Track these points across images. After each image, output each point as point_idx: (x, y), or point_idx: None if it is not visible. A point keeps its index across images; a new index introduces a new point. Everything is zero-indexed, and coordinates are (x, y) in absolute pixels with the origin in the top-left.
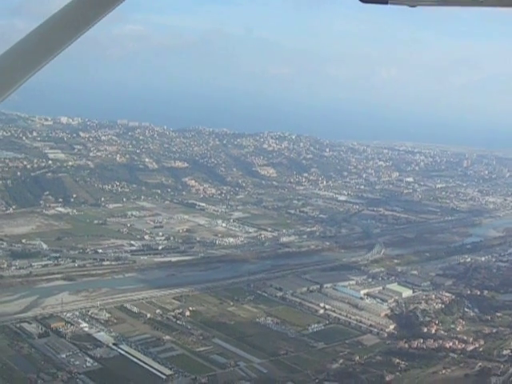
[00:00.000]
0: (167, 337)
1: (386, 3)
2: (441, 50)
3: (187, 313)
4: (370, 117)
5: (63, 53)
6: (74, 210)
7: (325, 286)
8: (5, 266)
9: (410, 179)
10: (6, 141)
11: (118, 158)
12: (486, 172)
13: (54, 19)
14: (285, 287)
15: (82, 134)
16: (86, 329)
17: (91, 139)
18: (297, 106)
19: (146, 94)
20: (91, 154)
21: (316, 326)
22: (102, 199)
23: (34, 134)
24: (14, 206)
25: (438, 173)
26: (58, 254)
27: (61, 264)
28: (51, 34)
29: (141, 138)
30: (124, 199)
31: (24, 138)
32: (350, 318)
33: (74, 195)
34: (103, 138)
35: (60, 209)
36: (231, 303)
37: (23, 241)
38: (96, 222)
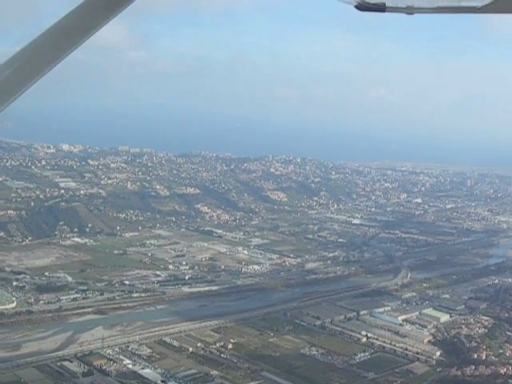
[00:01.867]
0: (214, 372)
1: (384, 11)
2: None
3: (229, 345)
4: (359, 138)
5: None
6: (91, 240)
7: (361, 313)
8: (32, 300)
9: (419, 200)
10: (15, 170)
11: (129, 186)
12: (491, 191)
13: (54, 29)
14: (322, 315)
15: (90, 162)
16: (130, 366)
17: (100, 167)
18: (279, 128)
19: (134, 119)
20: (102, 182)
21: (362, 355)
22: (118, 228)
23: (43, 162)
24: (29, 238)
25: (444, 193)
26: (85, 287)
27: (89, 297)
28: (51, 44)
29: (149, 164)
30: (139, 228)
31: (33, 167)
32: (395, 345)
33: (89, 225)
34: (112, 165)
35: (76, 239)
36: (271, 334)
37: (46, 273)
38: (116, 252)
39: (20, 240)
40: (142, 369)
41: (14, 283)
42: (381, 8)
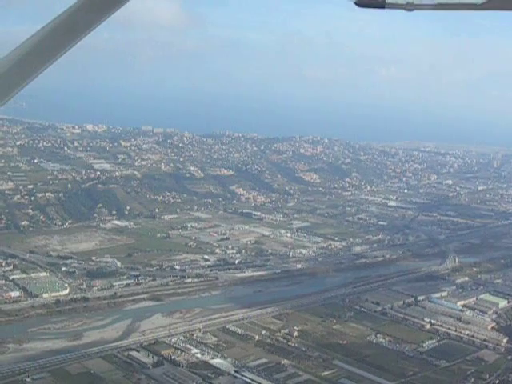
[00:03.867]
0: (285, 361)
1: (383, 7)
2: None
3: (295, 333)
4: (373, 118)
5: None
6: (131, 223)
7: (419, 298)
8: (84, 286)
9: (450, 182)
10: (48, 151)
11: (163, 167)
12: None
13: (55, 23)
14: (380, 301)
15: (122, 143)
16: (199, 355)
17: (133, 148)
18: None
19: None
20: (136, 164)
21: (430, 342)
22: (156, 210)
23: (75, 143)
24: (69, 221)
25: (472, 174)
26: (136, 273)
27: (142, 283)
28: (53, 37)
29: (180, 145)
30: (178, 210)
31: (66, 148)
32: (460, 332)
33: (128, 207)
34: (144, 146)
35: (116, 222)
36: (334, 321)
37: (93, 258)
38: (158, 235)
39: (60, 223)
40: (212, 358)
41: (63, 268)
42: (380, 4)
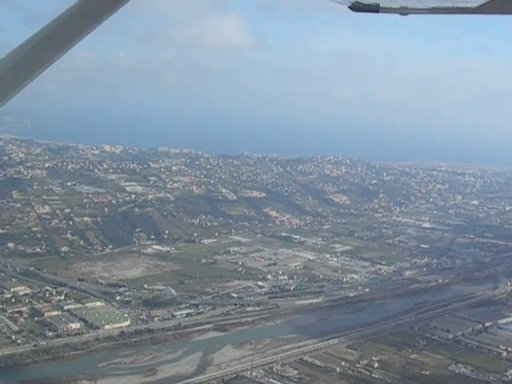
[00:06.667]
0: None
1: (378, 12)
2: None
3: (375, 364)
4: (371, 135)
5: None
6: (172, 248)
7: (486, 324)
8: (144, 316)
9: (476, 202)
10: (78, 174)
11: (194, 189)
12: None
13: (52, 25)
14: (450, 328)
15: (152, 165)
16: None
17: (162, 170)
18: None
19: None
20: (168, 186)
21: None
22: (195, 234)
23: (105, 165)
24: (109, 246)
25: (494, 194)
26: (194, 301)
27: (203, 312)
28: (51, 39)
29: (208, 166)
30: (216, 234)
31: (95, 170)
32: None
33: (166, 231)
34: (173, 168)
35: (157, 247)
36: (409, 350)
37: (145, 286)
38: (204, 260)
39: (100, 248)
40: None
41: (117, 297)
42: (375, 9)
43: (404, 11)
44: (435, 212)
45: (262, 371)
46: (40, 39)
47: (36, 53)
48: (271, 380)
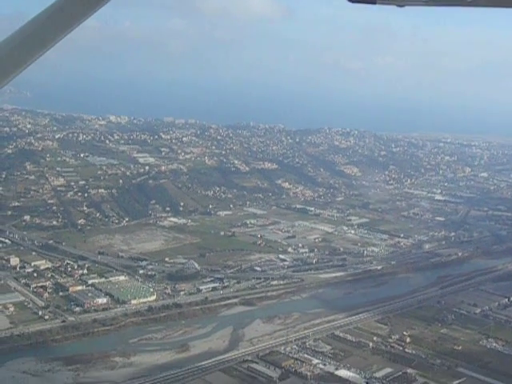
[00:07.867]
0: (410, 370)
1: (375, 3)
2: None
3: (407, 339)
4: (375, 107)
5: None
6: (189, 220)
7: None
8: (169, 291)
9: (485, 174)
10: (90, 145)
11: (207, 161)
12: None
13: (52, 8)
14: (476, 302)
15: (163, 136)
16: (321, 366)
17: (174, 141)
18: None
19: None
20: (180, 157)
21: None
22: (210, 206)
23: (116, 136)
24: (126, 218)
25: (502, 166)
26: (219, 275)
27: (228, 286)
28: (50, 23)
29: (218, 137)
30: (231, 206)
31: (107, 141)
32: None
33: (181, 203)
34: (184, 139)
35: (173, 219)
36: (439, 325)
37: (167, 259)
38: (222, 233)
39: (117, 221)
40: (336, 369)
41: (141, 271)
42: (372, 0)
43: (401, 2)
44: (446, 184)
45: (295, 346)
46: (40, 22)
47: (36, 36)
48: (306, 355)
